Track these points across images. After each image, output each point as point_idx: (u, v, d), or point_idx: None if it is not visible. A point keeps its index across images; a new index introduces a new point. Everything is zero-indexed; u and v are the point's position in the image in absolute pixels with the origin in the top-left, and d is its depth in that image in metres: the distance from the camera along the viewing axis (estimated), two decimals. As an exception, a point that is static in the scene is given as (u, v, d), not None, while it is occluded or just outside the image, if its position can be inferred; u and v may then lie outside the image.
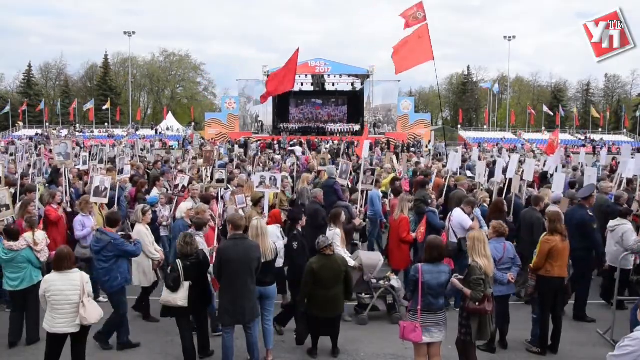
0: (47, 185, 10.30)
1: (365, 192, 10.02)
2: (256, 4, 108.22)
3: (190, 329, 5.96)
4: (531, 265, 6.39)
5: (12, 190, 8.90)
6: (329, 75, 45.92)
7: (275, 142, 37.11)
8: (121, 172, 11.17)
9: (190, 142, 40.71)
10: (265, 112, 46.35)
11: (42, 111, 56.91)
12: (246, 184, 10.31)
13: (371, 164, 15.35)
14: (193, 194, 8.95)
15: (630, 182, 10.96)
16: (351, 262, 7.17)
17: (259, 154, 21.37)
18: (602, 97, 76.93)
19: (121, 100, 68.88)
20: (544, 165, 14.78)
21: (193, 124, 59.03)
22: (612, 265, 7.49)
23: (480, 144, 36.63)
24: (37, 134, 48.17)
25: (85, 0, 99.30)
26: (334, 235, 7.13)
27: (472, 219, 7.76)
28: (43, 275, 6.01)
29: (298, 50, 12.15)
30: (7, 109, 55.15)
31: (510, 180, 9.92)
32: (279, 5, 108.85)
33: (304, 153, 25.05)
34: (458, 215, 7.75)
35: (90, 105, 55.74)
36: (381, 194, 10.55)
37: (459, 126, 60.80)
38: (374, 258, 7.58)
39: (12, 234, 6.38)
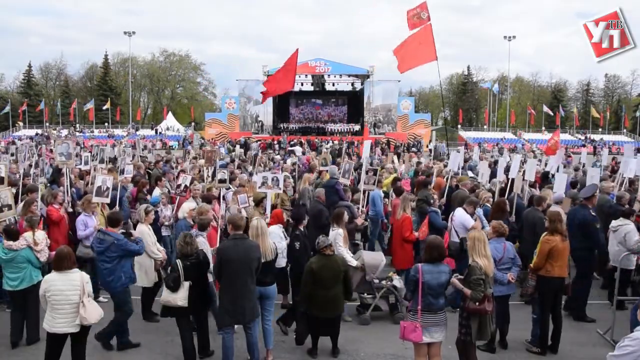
0: (48, 185, 10.30)
1: (366, 192, 10.02)
2: (256, 4, 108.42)
3: (190, 329, 5.96)
4: (531, 265, 6.39)
5: (14, 190, 8.90)
6: (329, 75, 45.92)
7: (275, 142, 37.11)
8: (122, 172, 11.18)
9: (190, 142, 40.73)
10: (265, 112, 46.35)
11: (42, 111, 56.93)
12: (247, 184, 10.32)
13: (371, 164, 15.35)
14: (194, 194, 8.95)
15: (632, 182, 10.96)
16: (353, 262, 7.18)
17: (260, 154, 21.35)
18: (602, 97, 76.93)
19: (121, 100, 68.90)
20: (545, 165, 14.78)
21: (193, 124, 59.04)
22: (616, 265, 7.48)
23: (480, 144, 36.60)
24: (37, 134, 48.19)
25: (85, 0, 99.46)
26: (337, 235, 7.13)
27: (475, 219, 7.76)
28: (43, 275, 6.02)
29: (297, 50, 12.17)
30: (7, 109, 55.18)
31: (512, 180, 9.92)
32: (279, 5, 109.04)
33: (304, 153, 25.07)
34: (460, 215, 7.75)
35: (90, 105, 55.77)
36: (382, 194, 10.55)
37: (459, 126, 60.81)
38: (376, 258, 7.58)
39: (12, 233, 6.38)
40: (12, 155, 18.62)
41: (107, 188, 8.25)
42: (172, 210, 9.09)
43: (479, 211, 8.02)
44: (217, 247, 6.84)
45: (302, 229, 7.08)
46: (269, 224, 7.66)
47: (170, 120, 56.33)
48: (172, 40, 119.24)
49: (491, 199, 8.95)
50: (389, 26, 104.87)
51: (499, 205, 7.96)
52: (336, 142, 34.82)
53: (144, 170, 13.20)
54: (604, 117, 60.34)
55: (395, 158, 18.92)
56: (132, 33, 56.88)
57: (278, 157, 21.29)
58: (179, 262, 5.74)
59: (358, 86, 48.38)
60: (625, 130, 60.14)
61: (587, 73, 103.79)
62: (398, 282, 7.47)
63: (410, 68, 16.26)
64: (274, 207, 8.99)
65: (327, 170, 12.01)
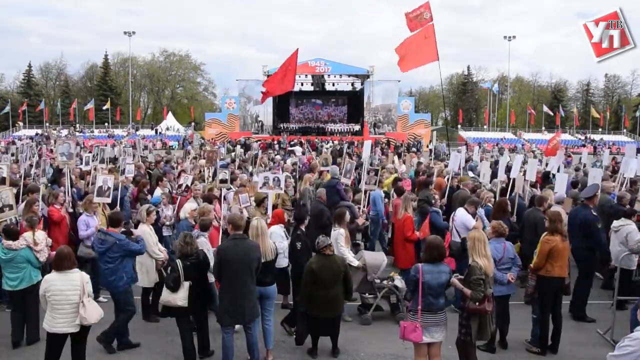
0: (49, 185, 10.31)
1: (367, 192, 10.03)
2: (256, 4, 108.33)
3: (190, 329, 5.96)
4: (531, 265, 6.39)
5: (15, 190, 8.90)
6: (329, 75, 45.92)
7: (275, 142, 37.12)
8: (123, 172, 11.18)
9: (190, 142, 40.73)
10: (265, 112, 46.36)
11: (42, 111, 56.91)
12: (249, 184, 10.33)
13: (371, 164, 15.36)
14: (195, 194, 8.96)
15: (633, 182, 10.94)
16: (355, 262, 7.19)
17: (260, 154, 21.36)
18: (602, 97, 76.90)
19: (121, 100, 68.88)
20: (546, 165, 14.78)
21: (193, 124, 59.05)
22: (617, 266, 7.48)
23: (480, 144, 36.62)
24: (37, 134, 48.17)
25: (85, 0, 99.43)
26: (338, 235, 7.14)
27: (476, 219, 7.75)
28: (42, 275, 6.01)
29: (297, 50, 12.18)
30: (7, 109, 55.16)
31: (512, 180, 9.93)
32: (279, 5, 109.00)
33: (304, 153, 25.08)
34: (461, 215, 7.74)
35: (90, 105, 55.77)
36: (383, 194, 10.55)
37: (459, 126, 60.81)
38: (377, 258, 7.58)
39: (12, 233, 6.38)
40: (12, 155, 18.64)
41: (108, 188, 8.25)
42: (173, 210, 9.09)
43: (481, 211, 8.01)
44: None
45: (302, 229, 7.09)
46: (270, 224, 7.69)
47: (170, 120, 56.31)
48: (172, 40, 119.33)
49: (493, 199, 8.96)
50: (389, 26, 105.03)
51: (501, 205, 7.96)
52: (336, 142, 34.83)
53: (144, 171, 13.21)
54: (604, 117, 60.32)
55: (395, 158, 18.93)
56: (132, 33, 56.86)
57: (278, 157, 21.29)
58: (179, 262, 5.74)
59: (358, 86, 48.39)
60: (625, 130, 60.14)
61: (587, 73, 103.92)
62: (399, 282, 7.46)
63: (413, 68, 16.26)
64: (274, 207, 9.01)
65: (328, 171, 12.03)
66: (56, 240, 7.32)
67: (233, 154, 26.15)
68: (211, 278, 6.17)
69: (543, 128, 58.25)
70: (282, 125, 44.28)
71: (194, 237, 6.08)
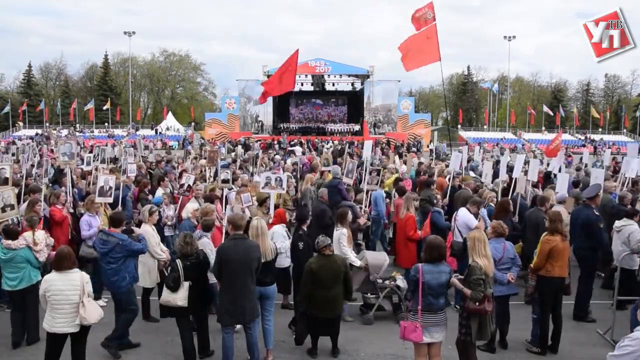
0: (50, 185, 10.31)
1: (369, 192, 10.03)
2: (256, 4, 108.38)
3: (190, 329, 5.96)
4: (531, 265, 6.39)
5: (16, 190, 8.90)
6: (329, 75, 45.93)
7: (275, 142, 37.11)
8: (124, 172, 11.19)
9: (190, 142, 40.73)
10: (265, 112, 46.37)
11: (42, 111, 56.95)
12: (250, 184, 10.33)
13: (371, 164, 15.35)
14: (197, 194, 8.95)
15: (635, 182, 10.94)
16: (357, 262, 7.19)
17: (261, 154, 21.35)
18: (602, 97, 76.92)
19: (121, 100, 68.89)
20: (547, 165, 14.79)
21: (193, 124, 59.05)
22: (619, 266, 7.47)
23: (480, 144, 36.62)
24: (37, 134, 48.19)
25: (85, 0, 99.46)
26: (341, 235, 7.13)
27: (479, 219, 7.75)
28: (42, 275, 6.01)
29: (297, 51, 12.17)
30: (7, 109, 55.19)
31: (513, 180, 9.93)
32: (279, 5, 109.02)
33: (304, 153, 25.07)
34: (463, 215, 7.74)
35: (90, 105, 55.78)
36: (384, 194, 10.56)
37: (459, 126, 60.82)
38: (379, 258, 7.58)
39: (11, 233, 6.37)
40: (13, 155, 18.66)
41: (110, 188, 8.24)
42: (175, 210, 9.09)
43: (483, 212, 7.99)
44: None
45: (304, 229, 7.09)
46: (272, 224, 7.69)
47: (170, 120, 56.33)
48: (172, 40, 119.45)
49: (495, 199, 8.95)
50: (389, 26, 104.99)
51: (503, 205, 7.96)
52: (336, 142, 34.83)
53: (145, 170, 13.22)
54: (604, 117, 60.34)
55: (396, 158, 18.93)
56: (132, 33, 56.88)
57: (278, 157, 21.29)
58: (178, 262, 5.74)
59: (358, 86, 48.40)
60: (625, 130, 60.15)
61: (587, 73, 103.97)
62: (401, 282, 7.45)
63: (415, 68, 16.25)
64: (276, 207, 9.02)
65: (329, 171, 12.03)
66: (58, 240, 7.33)
67: (233, 153, 26.16)
68: (212, 278, 6.16)
69: (543, 128, 58.27)
70: (282, 125, 44.28)
71: (194, 237, 6.07)
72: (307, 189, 10.73)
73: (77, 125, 58.40)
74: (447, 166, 14.22)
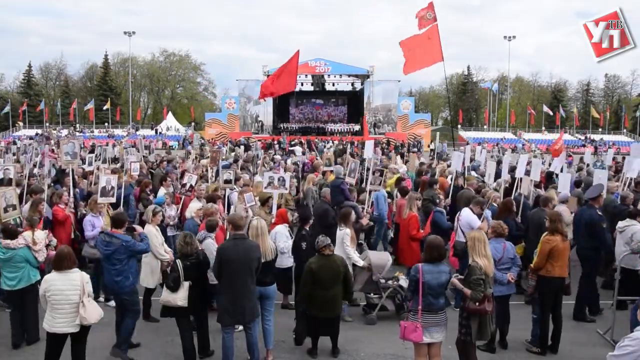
0: (52, 185, 10.32)
1: (371, 192, 10.01)
2: (256, 4, 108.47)
3: (190, 329, 5.95)
4: (532, 265, 6.39)
5: (18, 190, 8.91)
6: (329, 75, 45.97)
7: (275, 142, 37.13)
8: (126, 171, 11.18)
9: (190, 142, 40.74)
10: (265, 112, 46.43)
11: (42, 111, 57.01)
12: (251, 184, 10.33)
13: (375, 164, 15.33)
14: (199, 194, 8.95)
15: (637, 183, 10.91)
16: (360, 262, 7.18)
17: (262, 154, 21.34)
18: (602, 97, 76.94)
19: (121, 100, 68.91)
20: (549, 165, 14.77)
21: (193, 124, 59.07)
22: (622, 266, 7.46)
23: (480, 143, 36.63)
24: (37, 134, 48.19)
25: (85, 0, 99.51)
26: (344, 235, 7.12)
27: (482, 220, 7.74)
28: (41, 275, 6.00)
29: (298, 52, 12.17)
30: (7, 109, 55.24)
31: (515, 180, 9.91)
32: (279, 5, 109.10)
33: (303, 153, 25.06)
34: (467, 215, 7.73)
35: (90, 105, 55.79)
36: (386, 194, 10.55)
37: (459, 126, 60.84)
38: (382, 258, 7.57)
39: (11, 232, 6.37)
40: (13, 155, 18.65)
41: (112, 187, 8.21)
42: (177, 210, 9.09)
43: (487, 212, 7.95)
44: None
45: (307, 229, 7.08)
46: (274, 224, 7.68)
47: (170, 120, 56.38)
48: (172, 40, 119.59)
49: (498, 199, 8.94)
50: (389, 26, 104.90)
51: (506, 205, 7.95)
52: (336, 142, 34.84)
53: (146, 170, 13.22)
54: (604, 117, 60.37)
55: (398, 158, 18.92)
56: (132, 33, 56.93)
57: (278, 157, 21.28)
58: (178, 262, 5.74)
59: (358, 86, 48.44)
60: (625, 130, 60.16)
61: (587, 73, 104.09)
62: (404, 282, 7.44)
63: (417, 70, 16.19)
64: (278, 206, 9.02)
65: (331, 171, 12.01)
66: (60, 239, 7.34)
67: (234, 153, 26.10)
68: (213, 279, 6.15)
69: (543, 128, 58.31)
70: (282, 125, 44.32)
71: (194, 237, 6.07)
72: (309, 189, 10.73)
73: (77, 125, 58.43)
74: (448, 166, 14.20)
